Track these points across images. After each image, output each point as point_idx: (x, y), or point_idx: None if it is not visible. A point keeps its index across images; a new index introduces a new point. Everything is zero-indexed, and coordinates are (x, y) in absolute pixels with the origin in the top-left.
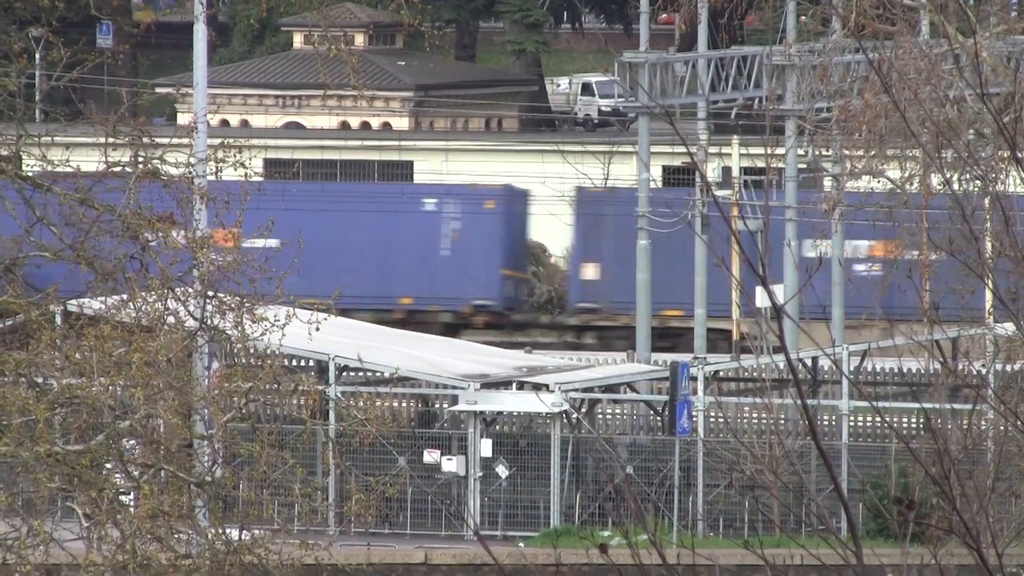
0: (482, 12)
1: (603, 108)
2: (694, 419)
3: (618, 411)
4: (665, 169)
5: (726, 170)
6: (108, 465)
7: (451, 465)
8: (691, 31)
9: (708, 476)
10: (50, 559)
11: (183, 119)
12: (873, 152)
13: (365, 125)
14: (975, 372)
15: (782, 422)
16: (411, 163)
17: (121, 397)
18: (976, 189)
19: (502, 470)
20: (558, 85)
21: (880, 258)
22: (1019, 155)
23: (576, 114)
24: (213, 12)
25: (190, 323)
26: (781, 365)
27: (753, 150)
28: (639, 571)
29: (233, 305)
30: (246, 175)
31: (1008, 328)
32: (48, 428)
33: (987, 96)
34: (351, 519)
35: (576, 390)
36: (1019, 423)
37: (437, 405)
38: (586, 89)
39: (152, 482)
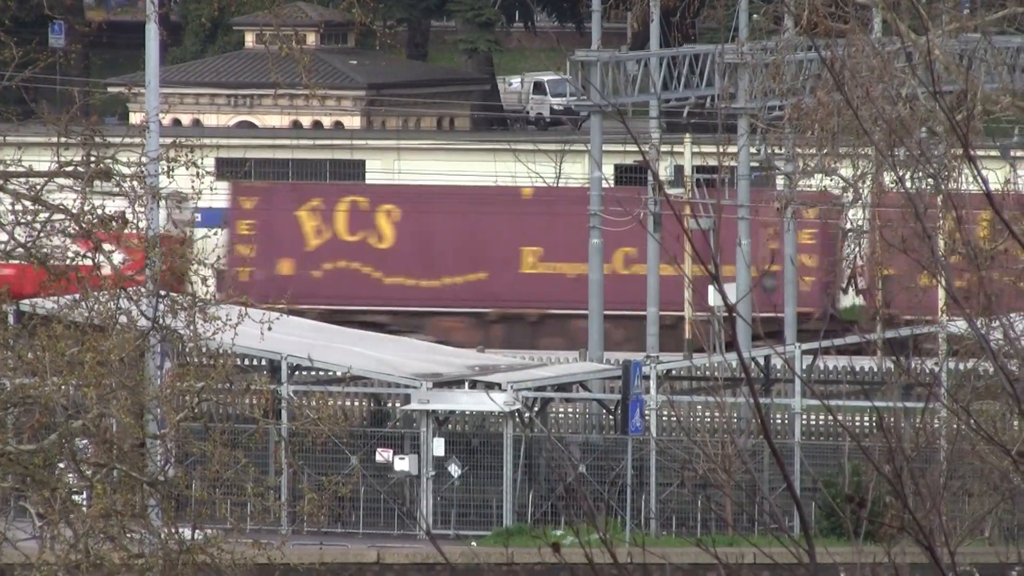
0: (434, 11)
1: (555, 107)
2: (646, 418)
3: (570, 410)
4: (617, 168)
5: (678, 169)
6: (61, 464)
7: (403, 464)
8: (643, 30)
9: (661, 475)
10: (3, 559)
11: (135, 118)
12: (826, 150)
13: (317, 124)
14: (928, 370)
15: (735, 421)
16: (363, 162)
17: (74, 396)
18: (929, 187)
19: (454, 469)
20: (510, 84)
21: None
22: (972, 153)
23: (528, 113)
24: (165, 12)
25: (142, 322)
26: (734, 364)
27: (705, 148)
28: (591, 570)
29: (185, 304)
30: (198, 174)
31: (961, 326)
32: (0, 428)
33: (940, 94)
34: (304, 518)
35: (528, 389)
36: (971, 421)
37: (389, 404)
38: (538, 88)
39: (105, 481)
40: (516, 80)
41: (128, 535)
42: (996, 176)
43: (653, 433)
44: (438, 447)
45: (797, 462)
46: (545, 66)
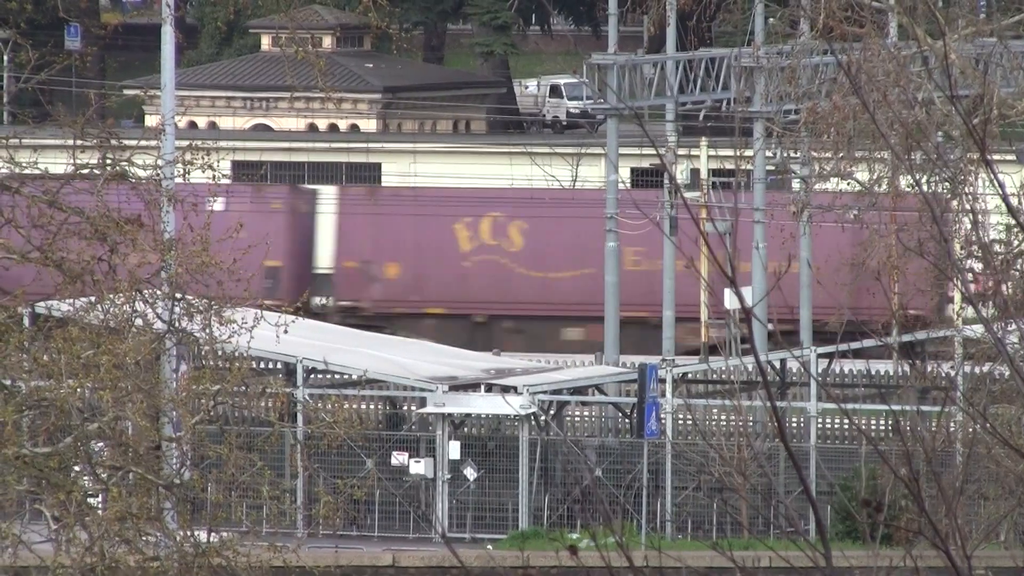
0: (450, 14)
1: (571, 110)
2: (662, 421)
3: (586, 413)
4: (633, 171)
5: (694, 172)
6: (76, 467)
7: (419, 467)
8: (660, 33)
9: (676, 478)
10: (18, 561)
11: (151, 121)
12: (841, 154)
13: (333, 127)
14: (944, 374)
15: (751, 424)
16: (379, 165)
17: (89, 399)
18: (945, 191)
19: (470, 472)
20: (526, 87)
21: None
22: (988, 157)
23: (544, 116)
24: (181, 14)
25: (158, 325)
26: (750, 367)
27: (722, 152)
28: (608, 574)
29: (201, 307)
30: (214, 177)
31: (977, 330)
32: (16, 430)
33: (956, 98)
34: (319, 521)
35: (544, 392)
36: (987, 425)
37: (405, 407)
38: (554, 91)
39: (120, 484)
40: (532, 83)
41: (143, 538)
42: (1012, 180)
43: (669, 436)
44: (454, 450)
45: (813, 465)
46: (561, 69)
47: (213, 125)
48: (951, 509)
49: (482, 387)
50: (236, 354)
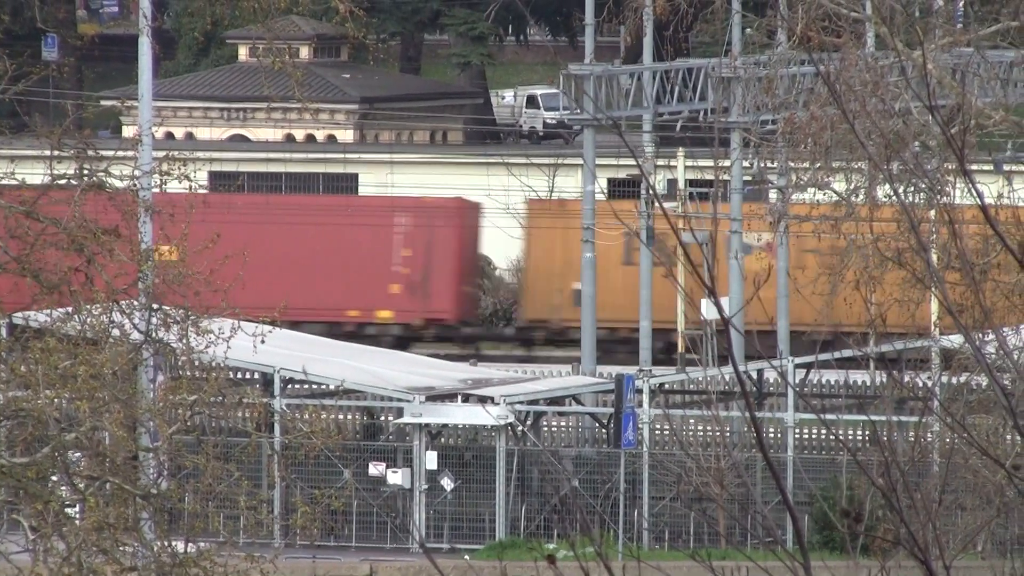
0: (427, 25)
1: (548, 120)
2: (639, 431)
3: (563, 423)
4: (610, 181)
5: (672, 182)
6: (54, 478)
7: (396, 478)
8: (637, 44)
9: (653, 488)
10: None
11: (128, 132)
12: (819, 164)
13: (310, 138)
14: (921, 384)
15: (728, 434)
16: (356, 175)
17: (67, 410)
18: (922, 201)
19: (447, 482)
20: (503, 98)
21: None
22: (967, 167)
23: (521, 127)
24: (158, 25)
25: (135, 336)
26: (727, 377)
27: (699, 162)
28: None
29: (178, 318)
30: (191, 188)
31: (955, 340)
32: None
33: (934, 108)
34: (297, 531)
35: (521, 402)
36: (965, 435)
37: (382, 418)
38: (531, 102)
39: (98, 494)
40: (509, 94)
41: (121, 548)
42: (989, 190)
43: (646, 446)
44: (431, 460)
45: (790, 475)
46: (538, 80)
47: (190, 136)
48: (930, 519)
49: (459, 397)
50: (213, 364)
